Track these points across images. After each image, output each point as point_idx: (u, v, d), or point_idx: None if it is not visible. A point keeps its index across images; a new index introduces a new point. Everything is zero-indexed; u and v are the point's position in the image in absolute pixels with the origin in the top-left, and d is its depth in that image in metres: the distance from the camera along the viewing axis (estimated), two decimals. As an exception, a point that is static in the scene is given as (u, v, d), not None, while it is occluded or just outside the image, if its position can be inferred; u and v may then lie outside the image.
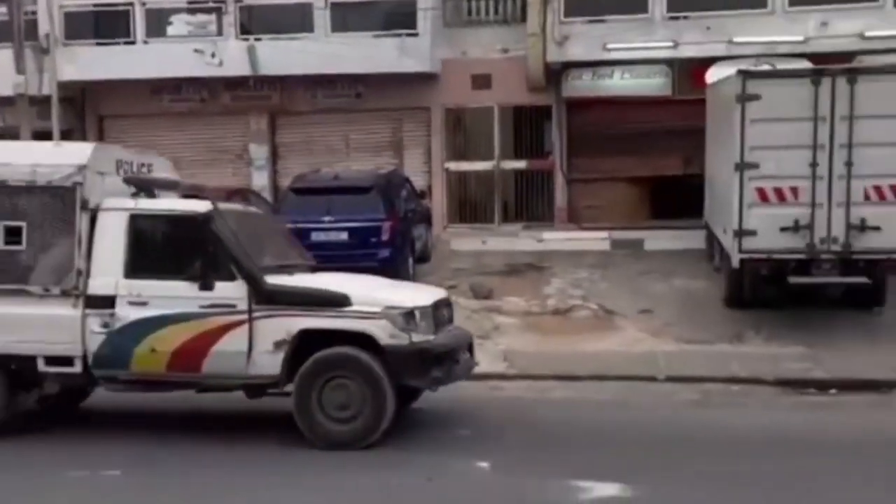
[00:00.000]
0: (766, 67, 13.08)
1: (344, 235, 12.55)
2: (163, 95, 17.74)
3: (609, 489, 6.18)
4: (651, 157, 16.68)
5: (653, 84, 16.39)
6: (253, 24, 17.07)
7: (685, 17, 15.75)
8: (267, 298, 7.13)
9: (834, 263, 10.47)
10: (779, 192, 10.48)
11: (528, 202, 17.54)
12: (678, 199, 15.97)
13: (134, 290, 7.26)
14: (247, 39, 16.70)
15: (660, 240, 15.63)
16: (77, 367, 7.34)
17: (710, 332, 11.06)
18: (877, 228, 10.20)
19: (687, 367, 9.82)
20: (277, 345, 7.08)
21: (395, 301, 7.26)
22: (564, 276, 13.87)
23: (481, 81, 17.02)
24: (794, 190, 10.43)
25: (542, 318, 12.17)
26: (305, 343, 7.07)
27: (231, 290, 7.15)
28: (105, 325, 7.25)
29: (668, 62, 16.18)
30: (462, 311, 12.08)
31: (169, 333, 7.18)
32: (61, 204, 7.35)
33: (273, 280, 7.26)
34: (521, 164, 17.44)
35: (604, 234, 16.10)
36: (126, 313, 7.24)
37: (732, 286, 11.66)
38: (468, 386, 9.18)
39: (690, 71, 15.84)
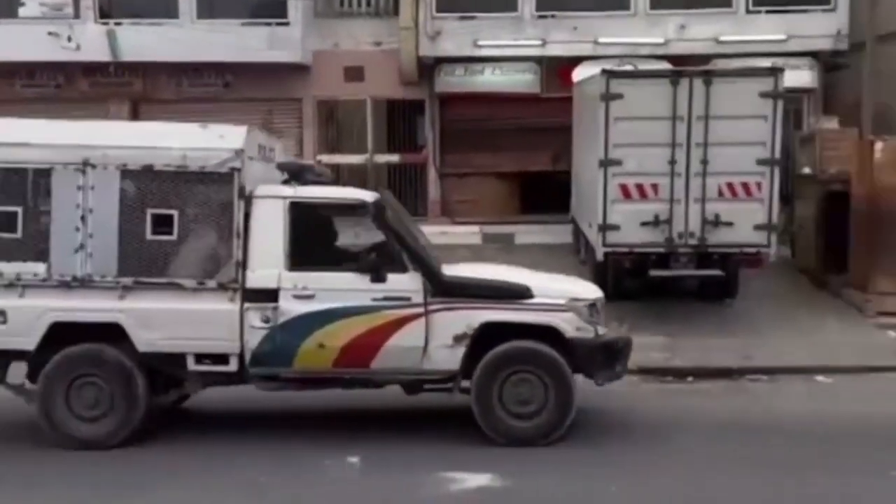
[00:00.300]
0: (629, 68, 13.54)
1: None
2: (15, 81, 16.74)
3: (480, 479, 6.22)
4: (521, 153, 17.01)
5: (522, 81, 16.70)
6: (113, 8, 16.32)
7: (553, 17, 16.15)
8: (444, 291, 6.82)
9: (691, 257, 10.95)
10: (640, 189, 10.88)
11: (401, 196, 17.35)
12: (547, 194, 16.35)
13: (299, 282, 6.75)
14: (106, 23, 15.95)
15: (530, 234, 15.96)
16: (232, 366, 6.83)
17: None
18: (729, 224, 10.74)
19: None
20: (457, 339, 6.79)
21: (578, 293, 7.16)
22: (437, 269, 13.94)
23: (354, 74, 16.89)
24: (655, 186, 10.84)
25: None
26: (482, 337, 6.80)
27: (405, 283, 6.80)
28: (266, 320, 6.72)
29: (537, 60, 16.53)
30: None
31: (339, 328, 6.74)
32: (216, 191, 6.75)
33: (447, 271, 6.97)
34: (394, 158, 17.44)
35: (475, 228, 16.31)
36: (291, 307, 6.73)
37: (597, 279, 11.98)
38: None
39: (558, 69, 16.24)
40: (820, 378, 9.26)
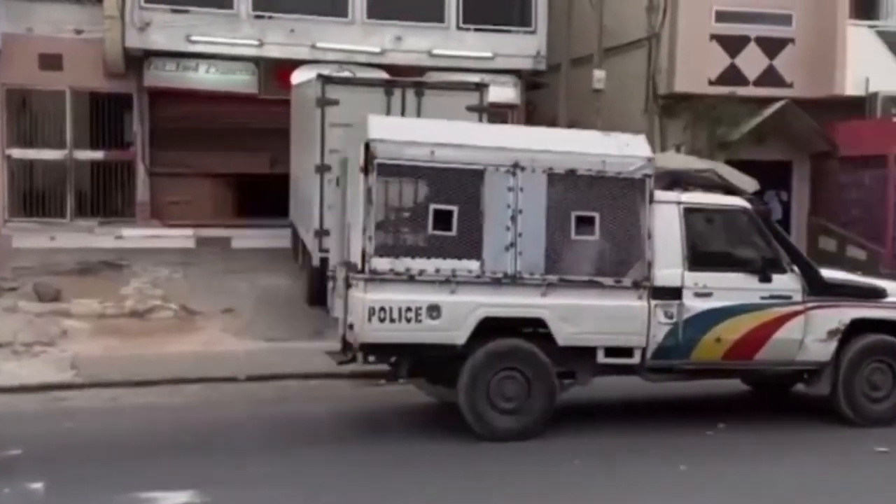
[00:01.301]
0: (347, 74, 13.68)
1: None
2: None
3: (180, 497, 5.94)
4: (238, 155, 16.50)
5: (239, 81, 16.21)
6: None
7: (270, 17, 15.86)
8: (819, 290, 7.68)
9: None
10: (356, 194, 10.99)
11: (107, 196, 16.33)
12: (266, 197, 16.01)
13: (699, 281, 7.40)
14: None
15: (247, 238, 15.59)
16: (636, 358, 7.31)
17: (292, 329, 11.25)
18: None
19: (268, 366, 9.88)
20: (830, 333, 7.67)
21: None
22: (144, 275, 13.21)
23: (51, 62, 15.45)
24: (370, 193, 11.01)
25: (118, 321, 11.43)
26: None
27: (787, 282, 7.64)
28: (670, 316, 7.29)
29: (255, 60, 16.15)
30: (24, 316, 10.92)
31: (734, 323, 7.45)
32: (629, 195, 7.20)
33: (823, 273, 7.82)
34: (98, 155, 16.17)
35: (189, 231, 15.64)
36: (693, 304, 7.36)
37: (314, 285, 11.97)
38: (25, 399, 8.32)
39: (276, 71, 16.00)
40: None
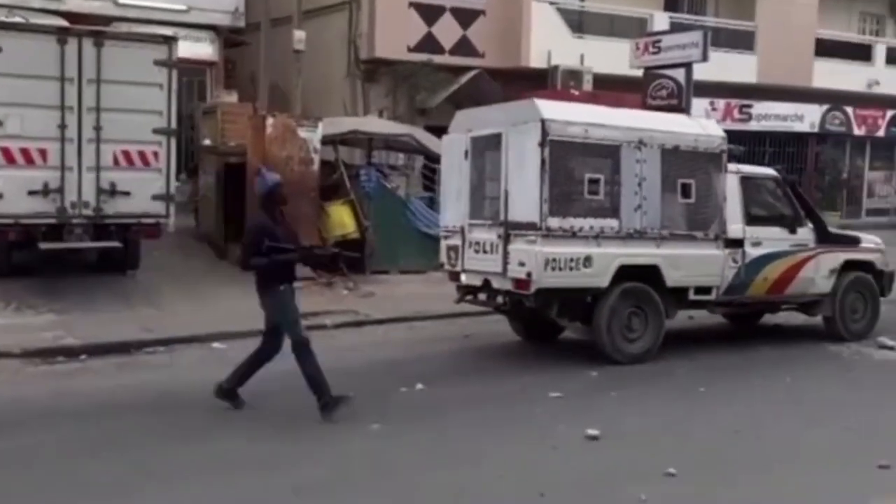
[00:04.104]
0: (18, 20, 12.24)
1: None
2: None
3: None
4: None
5: None
6: None
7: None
8: (824, 239, 9.79)
9: (86, 228, 10.37)
10: (26, 154, 9.93)
11: None
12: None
13: (753, 234, 9.28)
14: None
15: None
16: (713, 295, 9.11)
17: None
18: (127, 193, 10.41)
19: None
20: (832, 271, 9.86)
21: (878, 240, 10.63)
22: None
23: None
24: (43, 152, 10.00)
25: None
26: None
27: (805, 234, 9.68)
28: (735, 261, 9.10)
29: None
30: None
31: (775, 266, 9.43)
32: (711, 167, 8.91)
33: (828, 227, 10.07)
34: None
35: None
36: (751, 251, 9.23)
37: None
38: None
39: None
40: (216, 345, 9.50)
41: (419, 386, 7.69)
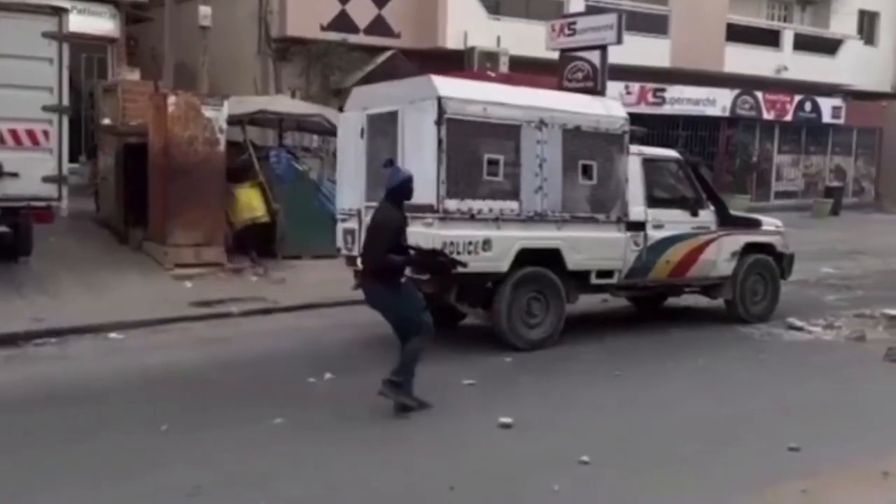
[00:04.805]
0: None
1: None
2: None
3: None
4: None
5: None
6: None
7: None
8: (725, 221, 9.78)
9: (-31, 212, 9.67)
10: None
11: None
12: None
13: (655, 216, 9.20)
14: None
15: None
16: (615, 279, 8.96)
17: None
18: (15, 175, 9.74)
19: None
20: (733, 254, 9.86)
21: (778, 223, 10.60)
22: None
23: None
24: (-80, 130, 9.22)
25: None
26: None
27: (707, 216, 9.65)
28: (637, 244, 8.99)
29: None
30: None
31: (677, 249, 9.37)
32: (612, 148, 8.73)
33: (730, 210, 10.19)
34: None
35: None
36: (653, 234, 9.14)
37: None
38: None
39: None
40: (113, 335, 8.99)
41: (328, 375, 7.38)
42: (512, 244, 8.10)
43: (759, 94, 24.99)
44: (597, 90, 15.56)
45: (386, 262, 6.22)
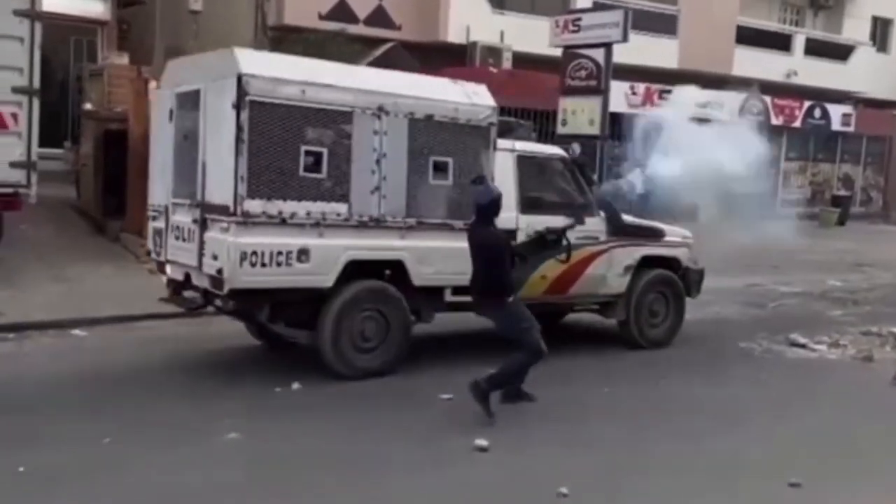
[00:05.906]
0: None
1: None
2: None
3: None
4: None
5: None
6: None
7: None
8: (618, 231, 8.44)
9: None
10: None
11: None
12: None
13: (530, 224, 7.68)
14: None
15: None
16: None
17: None
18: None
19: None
20: (626, 268, 8.54)
21: (686, 233, 9.07)
22: None
23: None
24: None
25: None
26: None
27: (596, 224, 8.27)
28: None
29: None
30: None
31: (555, 262, 7.65)
32: (476, 142, 7.37)
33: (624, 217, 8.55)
34: None
35: None
36: None
37: None
38: None
39: None
40: (76, 332, 8.50)
41: (295, 385, 6.87)
42: (338, 255, 6.79)
43: (768, 99, 24.44)
44: (600, 89, 15.07)
45: (509, 281, 6.26)
